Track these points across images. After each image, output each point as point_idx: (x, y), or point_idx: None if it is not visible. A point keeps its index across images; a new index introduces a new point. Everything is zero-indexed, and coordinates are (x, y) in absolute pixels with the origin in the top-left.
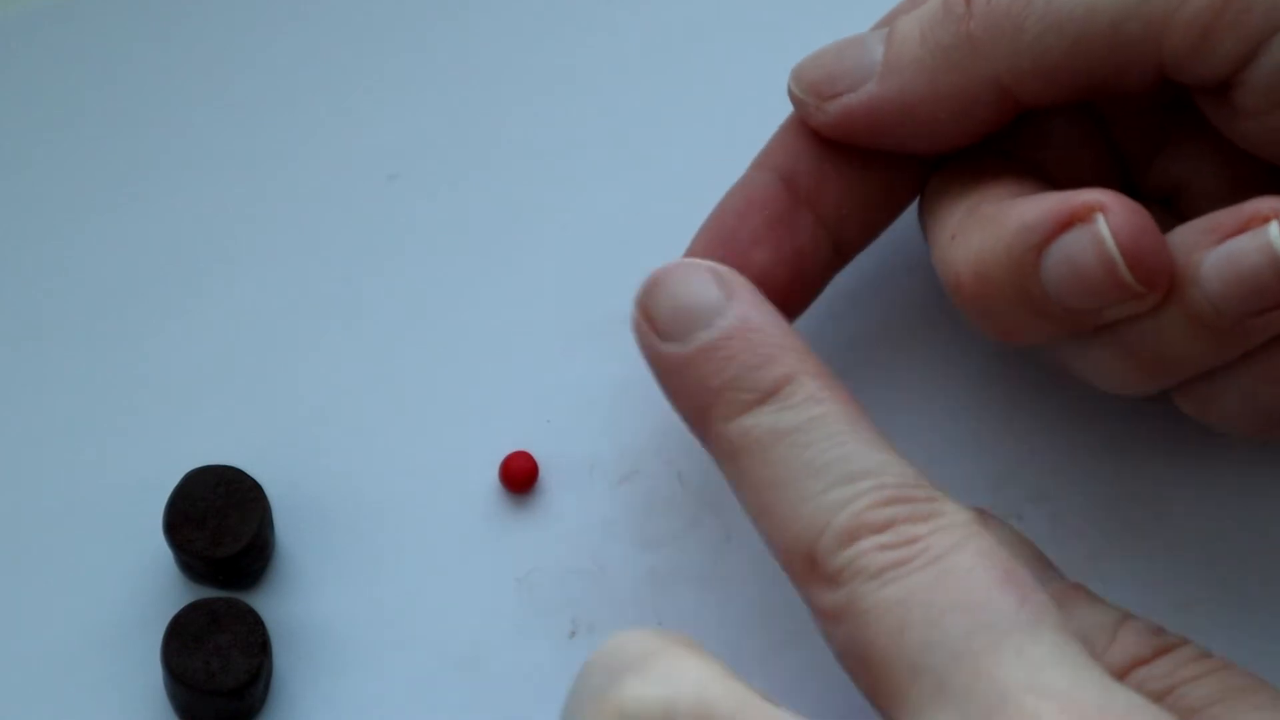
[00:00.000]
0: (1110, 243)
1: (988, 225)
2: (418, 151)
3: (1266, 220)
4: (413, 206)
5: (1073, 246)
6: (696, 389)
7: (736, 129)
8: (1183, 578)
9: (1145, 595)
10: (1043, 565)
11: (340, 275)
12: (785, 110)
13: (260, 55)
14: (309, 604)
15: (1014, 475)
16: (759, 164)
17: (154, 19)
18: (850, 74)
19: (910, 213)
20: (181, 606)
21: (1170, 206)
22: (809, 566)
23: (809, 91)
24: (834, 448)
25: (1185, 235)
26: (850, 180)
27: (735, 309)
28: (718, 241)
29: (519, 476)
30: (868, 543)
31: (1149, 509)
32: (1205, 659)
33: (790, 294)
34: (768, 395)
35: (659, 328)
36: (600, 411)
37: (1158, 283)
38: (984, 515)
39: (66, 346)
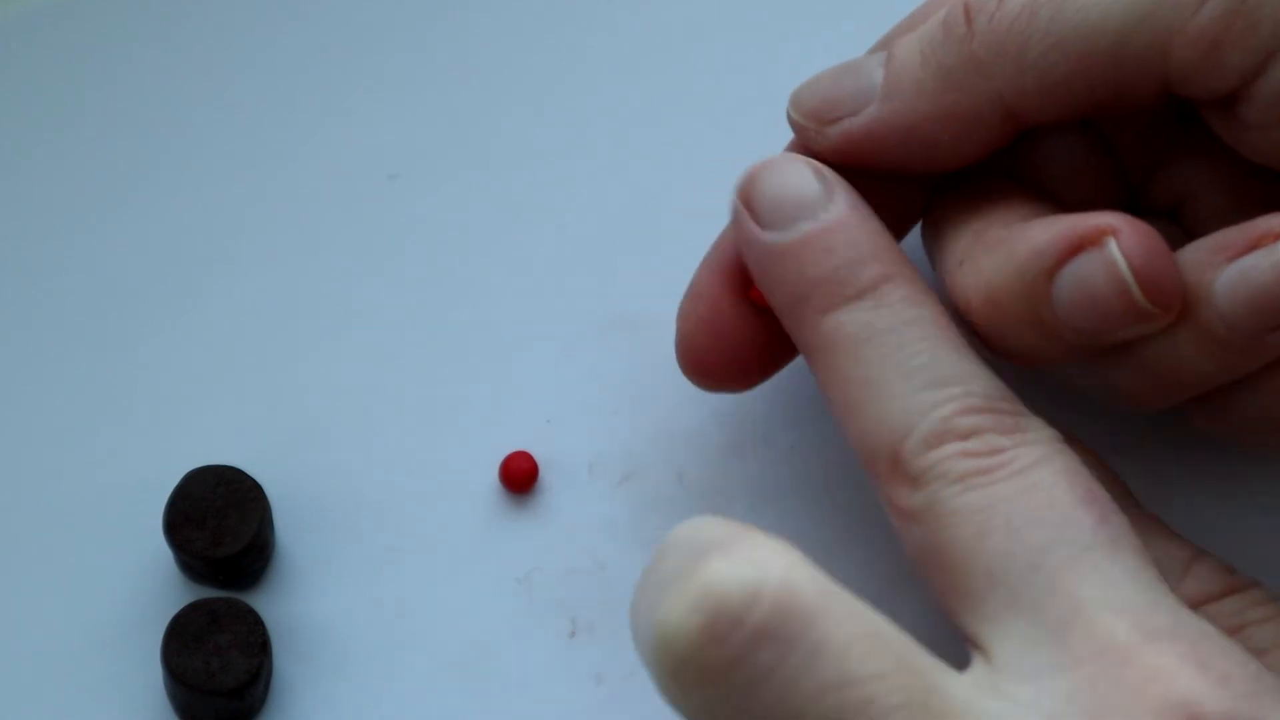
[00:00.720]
0: (1123, 266)
1: (997, 250)
2: (418, 151)
3: (1277, 238)
4: (413, 206)
5: (1084, 271)
6: (794, 279)
7: (737, 129)
8: None
9: None
10: (1122, 493)
11: (340, 275)
12: (785, 110)
13: (260, 55)
14: (309, 604)
15: None
16: None
17: (154, 19)
18: (850, 98)
19: (914, 235)
20: (181, 606)
21: (1174, 219)
22: (892, 466)
23: (809, 117)
24: (925, 351)
25: (1195, 254)
26: None
27: (836, 204)
28: (720, 269)
29: (519, 476)
30: (953, 447)
31: (1149, 509)
32: (1273, 603)
33: None
34: (865, 292)
35: (760, 216)
36: (600, 411)
37: (1170, 304)
38: (1069, 436)
39: (66, 346)
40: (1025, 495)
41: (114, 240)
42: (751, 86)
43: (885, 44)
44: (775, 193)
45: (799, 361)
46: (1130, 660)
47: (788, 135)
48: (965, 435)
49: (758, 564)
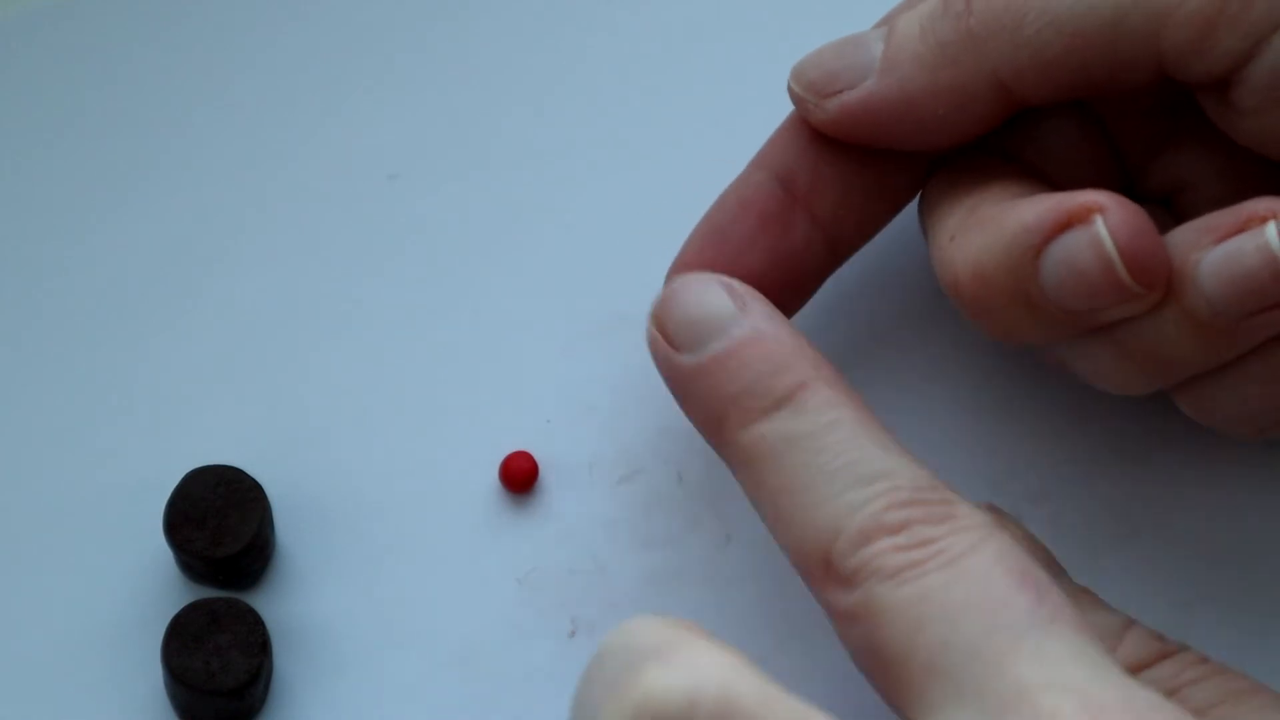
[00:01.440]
0: (1108, 243)
1: (987, 226)
2: (418, 151)
3: (1264, 220)
4: (413, 206)
5: (1071, 247)
6: (711, 398)
7: (736, 129)
8: (1183, 578)
9: (1145, 595)
10: (1053, 567)
11: (340, 275)
12: (785, 110)
13: (260, 55)
14: (309, 604)
15: (1014, 475)
16: (755, 164)
17: (154, 19)
18: (850, 71)
19: (907, 214)
20: (182, 606)
21: (1169, 207)
22: (824, 569)
23: (809, 89)
24: (848, 452)
25: (1183, 236)
26: (847, 180)
27: (748, 319)
28: (711, 241)
29: (519, 476)
30: (884, 543)
31: (1149, 509)
32: (1205, 663)
33: (784, 294)
34: (781, 402)
35: (673, 339)
36: (600, 411)
37: (1155, 283)
38: (999, 515)
39: (66, 346)
40: (959, 584)
41: (114, 240)
42: (751, 86)
43: (889, 20)
44: (687, 314)
45: None
46: None
47: None
48: (895, 530)
49: (694, 672)
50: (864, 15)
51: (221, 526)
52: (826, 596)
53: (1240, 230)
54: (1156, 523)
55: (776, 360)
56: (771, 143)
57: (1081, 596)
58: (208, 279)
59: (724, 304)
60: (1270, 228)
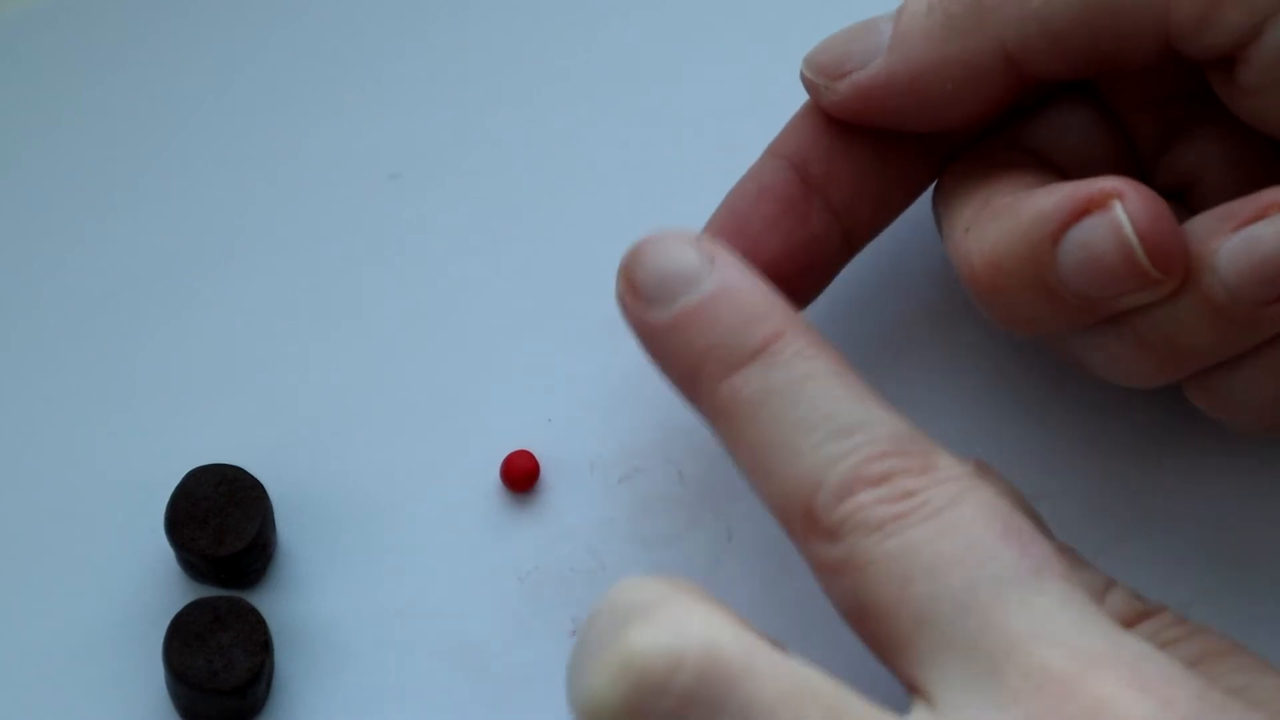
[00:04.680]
0: (1128, 229)
1: (1003, 215)
2: (418, 151)
3: None
4: (413, 206)
5: (1089, 233)
6: (683, 353)
7: (738, 129)
8: (1183, 578)
9: (1145, 594)
10: (1036, 520)
11: (341, 275)
12: (787, 110)
13: (260, 55)
14: (311, 603)
15: (1015, 472)
16: (771, 152)
17: (154, 19)
18: (861, 53)
19: (919, 207)
20: (183, 605)
21: (1183, 201)
22: (808, 522)
23: (820, 72)
24: (825, 403)
25: (1201, 223)
26: (861, 167)
27: (718, 273)
28: (729, 229)
29: (520, 475)
30: (866, 496)
31: (1149, 508)
32: (1185, 623)
33: (800, 282)
34: (755, 354)
35: (643, 295)
36: (601, 410)
37: (1174, 269)
38: (982, 467)
39: (67, 345)
40: (944, 536)
41: (114, 240)
42: (753, 87)
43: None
44: (655, 271)
45: None
46: (1071, 693)
47: None
48: (877, 482)
49: (679, 629)
50: (868, 13)
51: (223, 525)
52: (810, 549)
53: (1259, 217)
54: (1156, 522)
55: (748, 312)
56: (786, 131)
57: (1064, 553)
58: (209, 278)
59: (692, 258)
60: None
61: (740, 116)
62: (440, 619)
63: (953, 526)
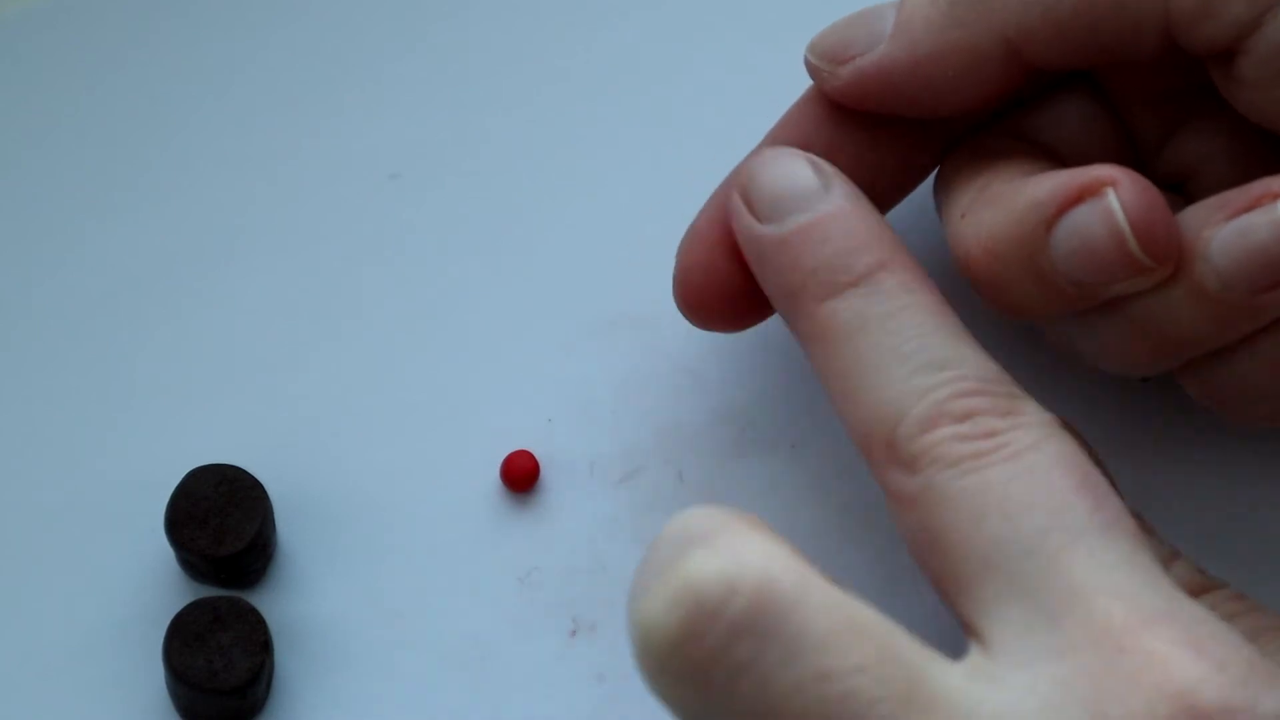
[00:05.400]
0: (1120, 216)
1: (998, 202)
2: (418, 151)
3: (1277, 197)
4: (414, 206)
5: (1083, 220)
6: (790, 269)
7: (738, 128)
8: None
9: None
10: (1112, 482)
11: (341, 274)
12: (787, 110)
13: (260, 55)
14: (311, 603)
15: None
16: (770, 138)
17: (154, 19)
18: (864, 39)
19: (920, 195)
20: (183, 605)
21: (1181, 192)
22: (887, 450)
23: (823, 57)
24: (920, 336)
25: (1195, 212)
26: (861, 155)
27: (833, 196)
28: (717, 220)
29: (520, 475)
30: (947, 430)
31: (1149, 508)
32: (1244, 599)
33: None
34: (859, 279)
35: (757, 210)
36: (601, 410)
37: (1166, 257)
38: (1065, 422)
39: (67, 345)
40: (1021, 479)
41: (114, 239)
42: (753, 87)
43: None
44: (772, 186)
45: (800, 361)
46: (1127, 646)
47: None
48: (960, 418)
49: (735, 556)
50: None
51: (223, 525)
52: (887, 478)
53: (1252, 207)
54: (1156, 521)
55: (858, 238)
56: (786, 118)
57: (1136, 516)
58: (209, 278)
59: (809, 178)
60: None
61: (740, 116)
62: (440, 619)
63: (1030, 471)
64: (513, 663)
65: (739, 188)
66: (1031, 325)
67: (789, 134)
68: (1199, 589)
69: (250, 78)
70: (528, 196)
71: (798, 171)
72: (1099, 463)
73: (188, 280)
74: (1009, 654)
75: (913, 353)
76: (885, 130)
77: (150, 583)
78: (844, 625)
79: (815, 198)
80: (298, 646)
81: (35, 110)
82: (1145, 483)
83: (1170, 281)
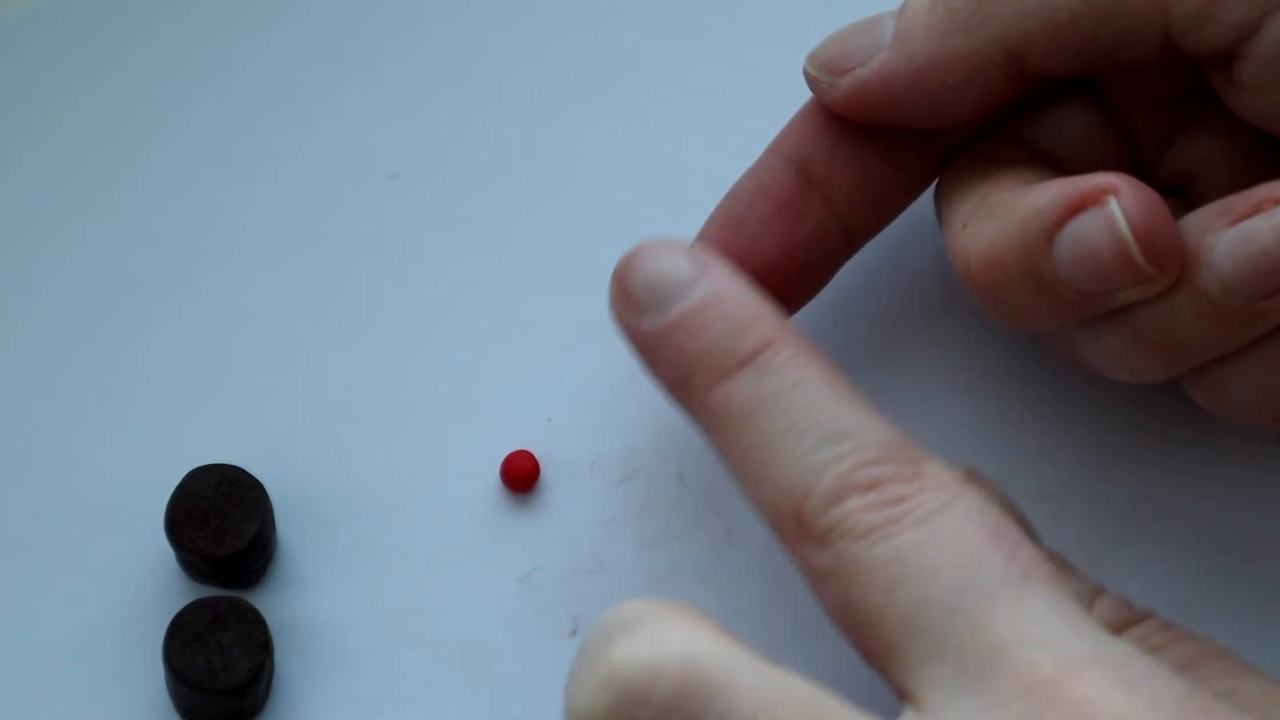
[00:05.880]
0: (1122, 224)
1: (999, 211)
2: (418, 151)
3: (1278, 204)
4: (414, 206)
5: (1085, 229)
6: (676, 359)
7: (738, 129)
8: (1183, 578)
9: (1145, 594)
10: (1025, 525)
11: (341, 274)
12: (787, 111)
13: (260, 55)
14: (311, 603)
15: (1014, 473)
16: (772, 150)
17: (154, 19)
18: (864, 48)
19: (921, 205)
20: (183, 605)
21: (1182, 198)
22: (797, 528)
23: (823, 68)
24: (815, 410)
25: (1197, 219)
26: (863, 166)
27: (709, 280)
28: (727, 227)
29: (520, 476)
30: (855, 503)
31: (1149, 508)
32: (1173, 628)
33: (798, 281)
34: (746, 361)
35: (635, 302)
36: (601, 411)
37: (1169, 264)
38: (971, 474)
39: (67, 345)
40: (933, 542)
41: (114, 239)
42: (754, 88)
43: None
44: (647, 278)
45: None
46: (1055, 695)
47: None
48: (866, 488)
49: (659, 641)
50: (869, 13)
51: (223, 525)
52: (801, 555)
53: (1254, 213)
54: (1156, 523)
55: (739, 319)
56: (788, 129)
57: (1052, 561)
58: (209, 278)
59: (683, 266)
60: None
61: (740, 116)
62: (440, 619)
63: (940, 532)
64: (512, 663)
65: (615, 281)
66: (1033, 335)
67: (789, 146)
68: (1125, 623)
69: (250, 78)
70: (528, 197)
71: (671, 261)
72: (1011, 508)
73: (188, 280)
74: (943, 712)
75: (810, 427)
76: (886, 140)
77: (150, 583)
78: (773, 700)
79: (691, 284)
80: (298, 646)
81: (35, 110)
82: (1151, 488)
83: (1173, 289)
